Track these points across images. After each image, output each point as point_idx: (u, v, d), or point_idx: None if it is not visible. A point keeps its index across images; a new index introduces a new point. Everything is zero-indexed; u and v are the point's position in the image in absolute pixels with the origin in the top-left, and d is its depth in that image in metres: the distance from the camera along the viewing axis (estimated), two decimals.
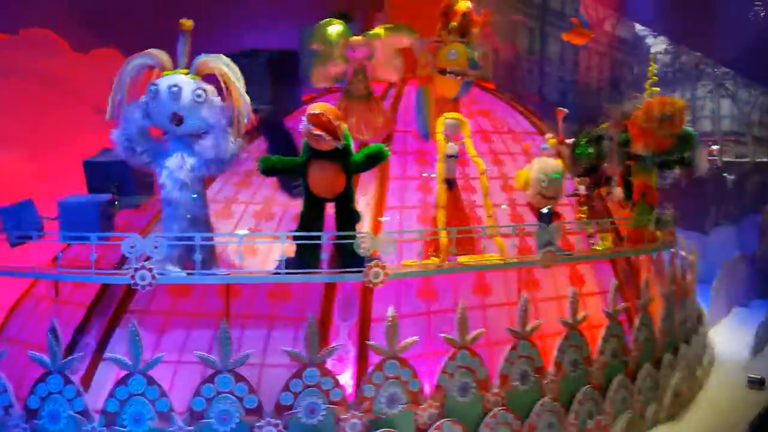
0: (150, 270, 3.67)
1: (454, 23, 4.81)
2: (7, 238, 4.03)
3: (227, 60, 3.83)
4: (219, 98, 3.83)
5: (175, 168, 3.78)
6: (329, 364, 3.85)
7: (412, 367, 3.90)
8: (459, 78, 4.61)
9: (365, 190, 4.57)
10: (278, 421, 3.68)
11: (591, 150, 5.07)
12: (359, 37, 4.55)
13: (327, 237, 3.89)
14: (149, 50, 3.82)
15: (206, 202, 3.93)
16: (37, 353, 3.73)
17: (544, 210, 4.50)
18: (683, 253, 6.00)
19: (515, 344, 4.17)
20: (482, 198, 4.44)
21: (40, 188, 4.37)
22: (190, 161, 3.80)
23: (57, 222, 3.97)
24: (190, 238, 3.76)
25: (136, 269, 3.67)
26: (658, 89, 5.28)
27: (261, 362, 3.98)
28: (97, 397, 3.80)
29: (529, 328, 4.21)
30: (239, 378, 3.68)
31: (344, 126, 3.93)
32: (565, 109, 5.19)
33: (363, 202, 4.47)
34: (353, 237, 3.87)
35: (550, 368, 4.30)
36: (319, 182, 3.90)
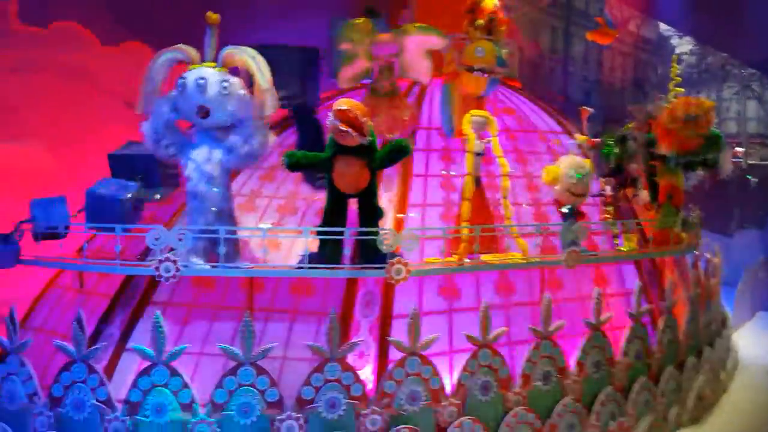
0: (174, 262, 3.70)
1: (480, 21, 4.79)
2: (33, 232, 4.08)
3: (253, 52, 3.85)
4: (246, 91, 3.85)
5: (202, 161, 3.80)
6: (350, 359, 3.85)
7: (433, 365, 3.89)
8: (486, 75, 4.58)
9: (388, 187, 4.56)
10: (299, 415, 3.69)
11: (617, 150, 5.02)
12: (387, 35, 4.55)
13: (350, 233, 3.90)
14: (179, 45, 3.85)
15: (231, 195, 3.95)
16: (62, 342, 3.78)
17: (565, 210, 4.46)
18: (708, 256, 5.92)
19: (538, 344, 4.14)
20: (501, 199, 4.41)
21: (68, 180, 4.42)
22: (217, 154, 3.82)
23: (83, 213, 4.02)
24: (215, 231, 3.78)
25: (160, 261, 3.70)
26: (682, 90, 5.22)
27: (282, 356, 4.00)
28: (119, 387, 3.84)
29: (551, 328, 4.17)
30: (261, 371, 3.70)
31: (369, 123, 3.93)
32: (590, 109, 5.15)
33: (386, 199, 4.46)
34: (376, 233, 3.87)
35: (573, 369, 4.26)
36: (343, 178, 3.91)
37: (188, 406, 3.70)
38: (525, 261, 4.28)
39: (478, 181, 4.42)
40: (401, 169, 4.65)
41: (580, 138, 4.66)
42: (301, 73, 4.41)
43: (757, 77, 15.17)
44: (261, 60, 3.84)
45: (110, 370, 4.00)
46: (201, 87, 3.75)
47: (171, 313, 4.13)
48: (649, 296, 4.91)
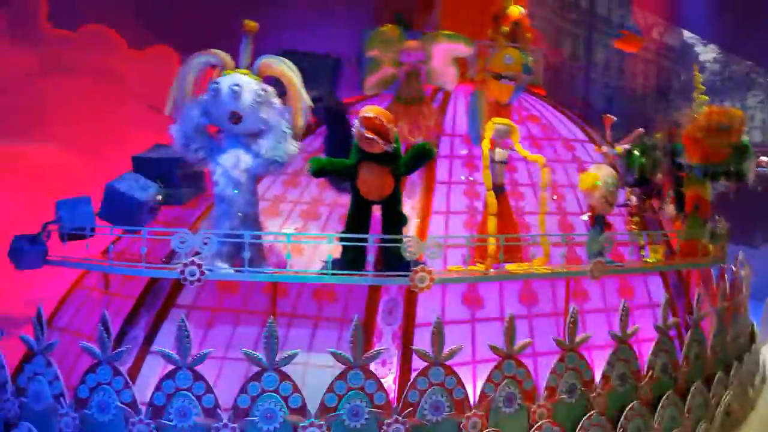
0: (199, 266, 3.71)
1: (505, 28, 4.77)
2: (60, 231, 4.12)
3: (289, 62, 3.88)
4: (279, 100, 3.86)
5: (230, 166, 3.82)
6: (372, 367, 3.83)
7: (457, 375, 3.86)
8: (512, 83, 4.56)
9: (411, 194, 4.55)
10: (322, 422, 3.68)
11: (643, 160, 4.96)
12: (414, 42, 4.55)
13: (373, 239, 3.89)
14: (214, 50, 3.87)
15: (258, 200, 3.96)
16: (88, 343, 3.80)
17: (585, 217, 4.42)
18: (734, 268, 5.83)
19: (563, 356, 4.09)
20: (540, 192, 4.33)
21: (95, 182, 4.46)
22: (245, 159, 3.83)
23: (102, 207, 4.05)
24: (240, 236, 3.79)
25: (185, 264, 3.71)
26: (707, 98, 5.15)
27: (305, 362, 3.99)
28: (143, 390, 3.85)
29: (577, 339, 4.12)
30: (284, 377, 3.69)
31: (395, 129, 3.92)
32: (613, 117, 5.10)
33: (408, 206, 4.45)
34: (399, 240, 3.85)
35: (598, 381, 4.21)
36: (368, 185, 3.90)
37: (211, 411, 3.70)
38: (550, 271, 4.23)
39: (501, 190, 4.39)
40: (425, 176, 4.64)
41: (617, 149, 4.61)
42: (333, 77, 4.42)
43: None
44: (296, 70, 3.85)
45: (134, 372, 4.03)
46: (235, 93, 3.77)
47: (195, 316, 4.15)
48: (675, 309, 4.84)
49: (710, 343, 4.87)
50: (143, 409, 3.74)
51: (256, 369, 3.70)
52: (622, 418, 4.25)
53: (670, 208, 5.06)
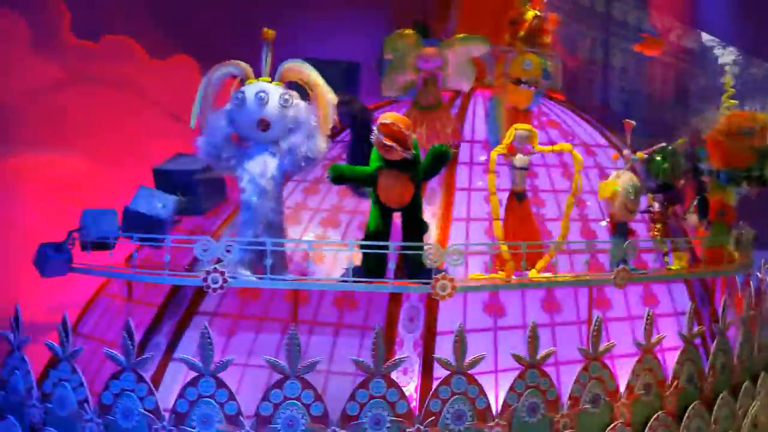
0: (222, 273, 3.73)
1: (522, 32, 4.75)
2: (82, 240, 4.17)
3: (310, 66, 3.90)
4: (304, 102, 3.89)
5: (258, 174, 3.84)
6: (394, 375, 3.82)
7: (479, 384, 3.83)
8: (532, 88, 4.54)
9: (431, 200, 4.54)
10: (344, 431, 3.67)
11: (666, 165, 4.91)
12: (432, 48, 4.55)
13: (394, 247, 3.88)
14: (234, 60, 3.91)
15: (283, 209, 3.98)
16: (112, 351, 3.83)
17: (604, 223, 4.36)
18: (759, 275, 5.73)
19: (587, 365, 4.04)
20: (568, 196, 4.30)
21: (117, 191, 4.52)
22: (273, 165, 3.84)
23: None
24: (262, 243, 3.80)
25: (208, 272, 3.73)
26: (735, 102, 5.09)
27: (326, 370, 3.99)
28: (166, 397, 3.87)
29: (601, 348, 4.07)
30: (306, 385, 3.69)
31: (413, 136, 3.91)
32: (633, 122, 5.05)
33: (428, 213, 4.44)
34: (420, 248, 3.84)
35: (622, 391, 4.15)
36: (388, 192, 3.90)
37: (234, 418, 3.71)
38: (573, 279, 4.19)
39: (523, 196, 4.36)
40: (444, 183, 4.63)
41: (639, 155, 4.56)
42: (355, 83, 4.44)
43: None
44: (319, 75, 3.87)
45: (157, 379, 4.06)
46: (262, 100, 3.80)
47: (217, 323, 4.17)
48: (700, 317, 4.77)
49: (736, 352, 4.79)
50: (166, 415, 3.76)
51: (277, 376, 3.71)
52: (647, 429, 4.19)
53: (693, 218, 4.99)
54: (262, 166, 3.85)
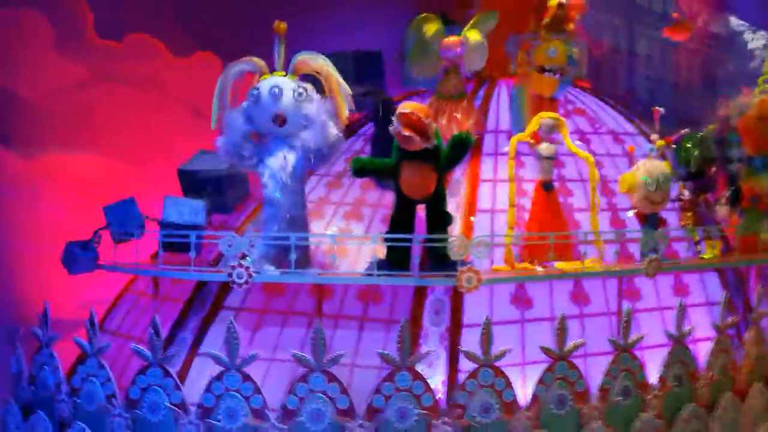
0: (247, 268, 3.73)
1: (546, 19, 4.66)
2: (111, 235, 4.22)
3: (324, 57, 3.86)
4: (318, 95, 3.86)
5: (277, 169, 3.83)
6: (419, 368, 3.79)
7: (506, 377, 3.78)
8: (557, 76, 4.45)
9: (455, 192, 4.49)
10: (370, 424, 3.65)
11: (696, 152, 4.79)
12: (454, 37, 4.50)
13: (418, 239, 3.84)
14: (247, 57, 3.89)
15: (305, 202, 3.97)
16: (139, 346, 3.86)
17: (630, 213, 4.29)
18: None
19: (617, 357, 3.97)
20: (591, 191, 4.23)
21: (142, 189, 4.55)
22: (291, 159, 3.84)
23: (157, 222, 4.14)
24: (286, 238, 3.79)
25: (233, 267, 3.73)
26: None
27: (352, 363, 3.97)
28: (192, 391, 3.89)
29: (631, 340, 3.99)
30: (332, 378, 3.68)
31: (434, 125, 3.86)
32: (661, 109, 4.93)
33: (453, 205, 4.39)
34: (445, 240, 3.79)
35: (653, 383, 4.07)
36: (410, 184, 3.86)
37: (260, 412, 3.71)
38: (602, 270, 4.11)
39: (550, 186, 4.28)
40: (469, 174, 4.58)
41: (658, 143, 4.45)
42: (380, 72, 4.42)
43: None
44: (332, 64, 3.84)
45: (183, 374, 4.08)
46: (276, 96, 3.78)
47: (242, 318, 4.18)
48: (733, 307, 4.65)
49: None
50: (192, 409, 3.78)
51: (303, 370, 3.70)
52: (678, 421, 4.11)
53: (723, 210, 4.86)
54: (282, 161, 3.83)
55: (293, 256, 3.78)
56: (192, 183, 4.35)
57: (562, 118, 4.39)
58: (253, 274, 3.73)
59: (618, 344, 3.99)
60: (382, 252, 3.90)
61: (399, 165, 3.84)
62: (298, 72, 3.89)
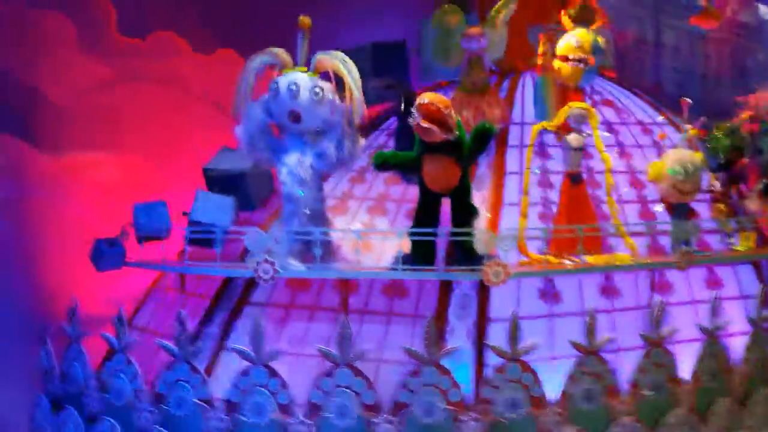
0: (272, 264, 3.72)
1: (572, 9, 4.59)
2: (136, 234, 4.24)
3: (343, 56, 3.85)
4: (337, 96, 3.84)
5: (294, 165, 3.83)
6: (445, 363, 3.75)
7: (534, 371, 3.73)
8: (582, 66, 4.37)
9: (480, 185, 4.44)
10: (396, 419, 3.62)
11: (727, 143, 4.68)
12: (476, 28, 4.44)
13: (444, 233, 3.79)
14: (271, 49, 3.88)
15: (324, 196, 3.96)
16: (166, 342, 3.88)
17: (658, 207, 4.21)
18: None
19: (648, 351, 3.88)
20: (606, 197, 4.18)
21: (167, 187, 4.58)
22: (308, 158, 3.82)
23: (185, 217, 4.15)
24: (309, 233, 3.78)
25: (258, 263, 3.73)
26: None
27: (378, 358, 3.95)
28: (218, 387, 3.90)
29: (663, 334, 3.91)
30: (358, 373, 3.66)
31: (455, 117, 3.80)
32: (690, 100, 4.82)
33: (479, 198, 4.33)
34: (471, 234, 3.74)
35: (684, 377, 3.98)
36: (433, 177, 3.81)
37: (286, 407, 3.71)
38: (633, 263, 4.03)
39: (579, 178, 4.21)
40: (494, 167, 4.52)
41: (691, 131, 4.34)
42: (404, 63, 4.39)
43: None
44: (352, 65, 3.81)
45: (210, 369, 4.10)
46: (293, 92, 3.78)
47: (269, 313, 4.18)
48: None
49: None
50: (219, 405, 3.79)
51: (328, 365, 3.69)
52: (711, 416, 4.02)
53: (754, 203, 4.73)
54: (298, 157, 3.83)
55: (318, 251, 3.77)
56: (218, 182, 4.36)
57: (593, 109, 4.31)
58: (279, 270, 3.73)
59: (650, 338, 3.91)
60: (407, 246, 3.87)
61: (421, 158, 3.79)
62: (319, 70, 3.87)
